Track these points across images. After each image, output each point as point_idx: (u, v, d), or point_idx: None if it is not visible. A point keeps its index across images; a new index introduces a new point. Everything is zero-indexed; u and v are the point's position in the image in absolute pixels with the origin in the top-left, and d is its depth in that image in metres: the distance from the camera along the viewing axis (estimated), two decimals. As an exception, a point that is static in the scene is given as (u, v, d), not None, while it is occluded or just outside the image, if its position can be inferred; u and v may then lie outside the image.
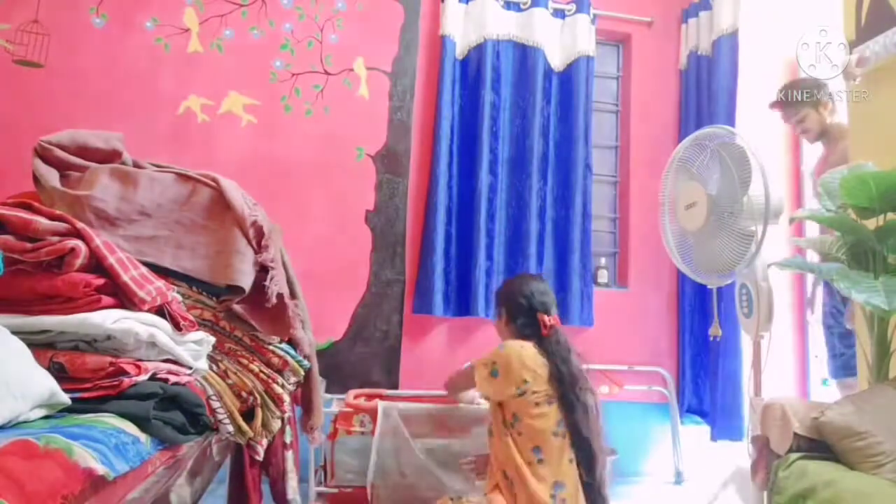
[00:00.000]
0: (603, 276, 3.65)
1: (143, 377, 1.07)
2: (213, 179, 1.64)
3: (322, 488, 2.39)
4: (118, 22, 3.15)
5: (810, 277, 3.24)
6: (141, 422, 1.01)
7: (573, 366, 1.89)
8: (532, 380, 1.84)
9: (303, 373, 1.72)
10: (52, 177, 1.48)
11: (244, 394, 1.50)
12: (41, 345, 1.04)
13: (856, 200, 2.12)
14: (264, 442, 1.60)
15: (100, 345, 1.08)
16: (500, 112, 3.49)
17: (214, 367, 1.47)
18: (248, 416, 1.52)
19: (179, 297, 1.36)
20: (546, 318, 1.94)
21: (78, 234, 1.11)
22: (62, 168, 1.53)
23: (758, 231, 2.11)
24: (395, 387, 3.20)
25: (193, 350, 1.29)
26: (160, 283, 1.25)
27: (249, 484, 1.90)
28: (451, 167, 3.40)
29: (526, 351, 1.87)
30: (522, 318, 1.96)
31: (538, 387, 1.84)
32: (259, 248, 1.59)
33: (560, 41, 3.64)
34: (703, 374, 3.49)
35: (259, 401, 1.53)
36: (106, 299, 1.09)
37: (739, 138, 2.23)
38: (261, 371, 1.57)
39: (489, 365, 1.89)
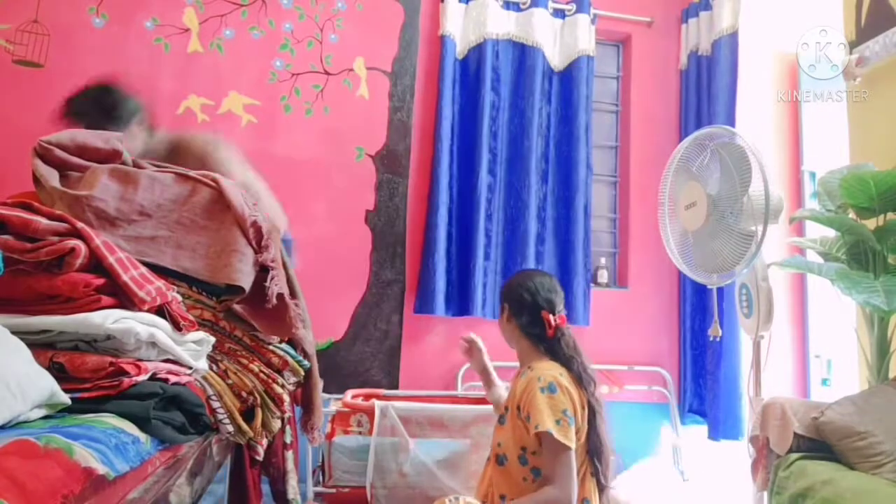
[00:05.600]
0: (603, 276, 3.66)
1: (143, 377, 1.07)
2: (213, 179, 1.63)
3: (320, 488, 2.39)
4: (118, 22, 3.15)
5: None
6: (141, 422, 1.00)
7: (589, 369, 1.76)
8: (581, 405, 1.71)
9: (303, 373, 1.71)
10: (52, 177, 1.48)
11: (244, 394, 1.50)
12: (41, 345, 1.04)
13: (856, 200, 2.12)
14: (264, 442, 1.59)
15: (100, 345, 1.08)
16: (500, 112, 3.49)
17: (214, 367, 1.47)
18: (248, 416, 1.51)
19: (179, 297, 1.36)
20: (551, 316, 1.77)
21: (78, 234, 1.11)
22: (62, 168, 1.53)
23: (758, 231, 2.11)
24: (395, 387, 3.20)
25: (193, 350, 1.29)
26: (160, 283, 1.24)
27: (249, 484, 1.90)
28: (451, 167, 3.40)
29: (565, 377, 1.70)
30: (526, 315, 1.79)
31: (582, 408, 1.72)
32: (259, 248, 1.59)
33: (560, 41, 3.64)
34: (703, 374, 3.49)
35: (259, 401, 1.53)
36: (106, 299, 1.09)
37: (739, 138, 2.23)
38: (261, 371, 1.57)
39: (562, 414, 1.63)
